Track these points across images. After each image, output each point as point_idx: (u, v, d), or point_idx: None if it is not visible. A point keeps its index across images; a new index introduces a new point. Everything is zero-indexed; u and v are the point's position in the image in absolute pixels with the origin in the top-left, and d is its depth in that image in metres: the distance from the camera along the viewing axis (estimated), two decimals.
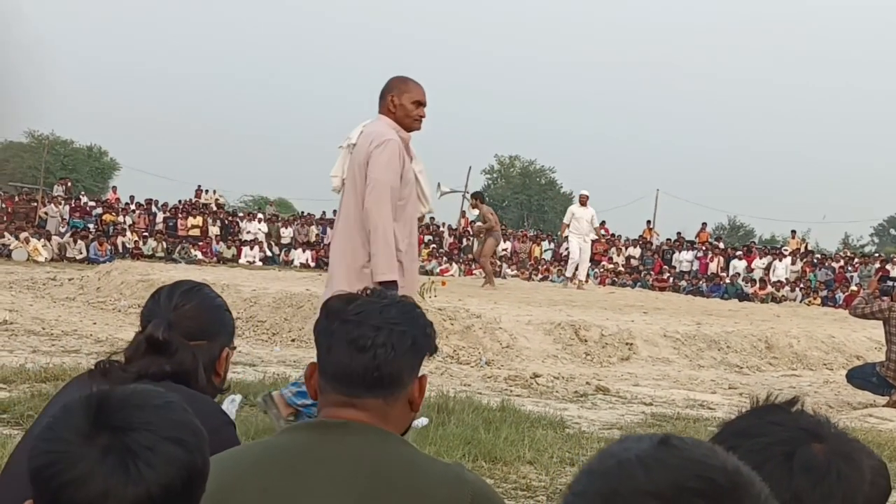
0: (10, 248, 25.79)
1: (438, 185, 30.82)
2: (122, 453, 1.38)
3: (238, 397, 6.51)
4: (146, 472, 1.38)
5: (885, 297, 9.78)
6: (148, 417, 1.44)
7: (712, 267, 32.54)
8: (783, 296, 29.09)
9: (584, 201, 20.08)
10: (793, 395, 1.57)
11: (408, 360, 1.98)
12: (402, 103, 5.71)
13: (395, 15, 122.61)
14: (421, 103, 5.78)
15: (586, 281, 20.55)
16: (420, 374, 2.05)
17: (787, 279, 30.82)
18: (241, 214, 36.46)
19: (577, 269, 20.20)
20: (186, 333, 2.49)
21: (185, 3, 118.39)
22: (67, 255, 26.86)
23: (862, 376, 9.78)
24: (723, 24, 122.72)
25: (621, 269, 32.79)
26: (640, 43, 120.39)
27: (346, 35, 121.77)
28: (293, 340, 11.73)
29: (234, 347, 2.70)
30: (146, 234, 30.95)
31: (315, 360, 2.05)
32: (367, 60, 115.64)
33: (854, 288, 28.70)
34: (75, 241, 27.59)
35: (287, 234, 34.14)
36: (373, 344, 1.94)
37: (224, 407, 2.79)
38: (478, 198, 18.68)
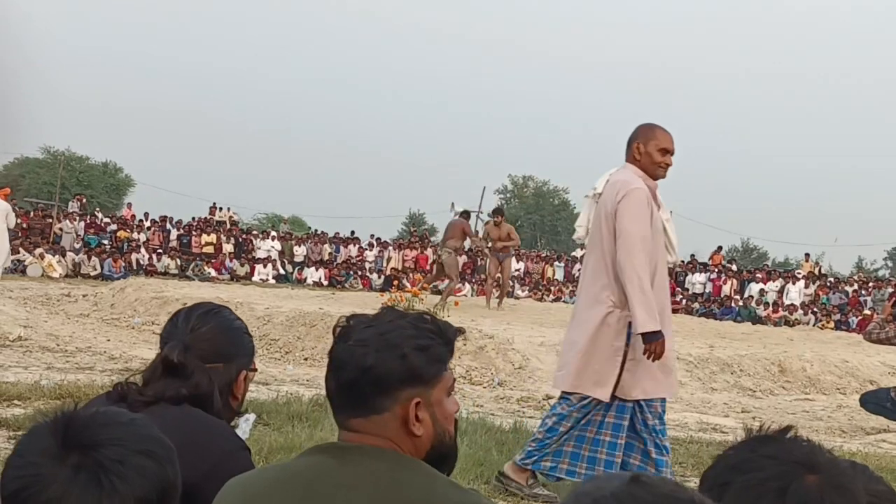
0: (25, 263, 25.89)
1: (452, 205, 30.94)
2: (94, 469, 1.39)
3: (252, 416, 6.51)
4: (119, 485, 1.39)
5: None
6: (115, 433, 1.45)
7: (725, 289, 32.45)
8: (796, 319, 28.97)
9: None
10: (786, 424, 1.57)
11: (370, 382, 1.94)
12: (647, 151, 5.63)
13: (414, 31, 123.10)
14: (667, 151, 5.67)
15: None
16: (416, 400, 1.97)
17: (802, 302, 30.72)
18: (254, 232, 36.54)
19: None
20: (203, 356, 2.50)
21: (197, 20, 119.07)
22: (82, 271, 26.97)
23: (876, 401, 9.73)
24: (738, 52, 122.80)
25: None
26: (654, 68, 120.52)
27: (359, 54, 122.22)
28: (306, 359, 11.75)
29: (255, 370, 2.71)
30: (160, 251, 31.05)
31: None
32: (381, 77, 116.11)
33: (868, 312, 28.59)
34: (90, 258, 27.70)
35: (300, 252, 34.18)
36: (340, 365, 1.96)
37: (239, 426, 2.80)
38: (500, 214, 18.33)
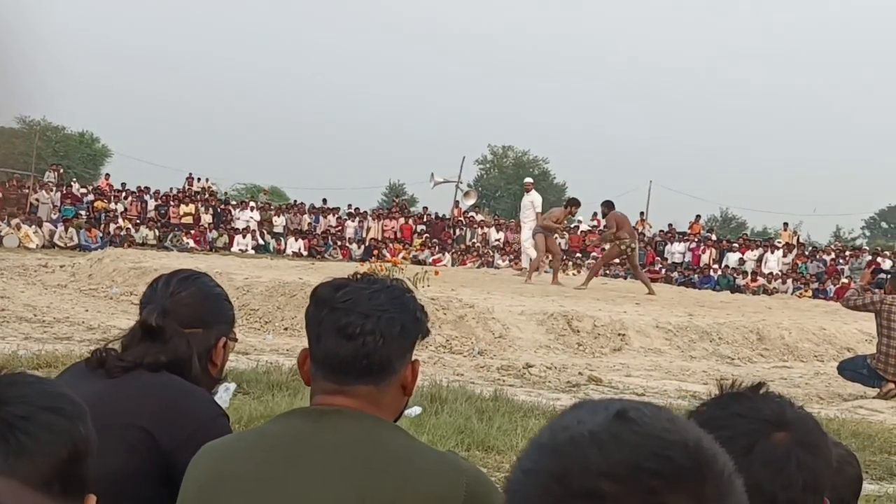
0: (1, 234, 25.72)
1: (432, 175, 30.94)
2: None
3: (232, 385, 6.53)
4: (25, 441, 1.36)
5: (877, 290, 9.82)
6: (20, 392, 1.43)
7: (704, 259, 32.61)
8: (774, 288, 29.16)
9: (527, 188, 20.27)
10: (759, 381, 1.56)
11: (397, 346, 1.97)
12: None
13: (392, 2, 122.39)
14: None
15: (531, 270, 20.40)
16: (413, 358, 2.04)
17: (780, 271, 30.92)
18: (233, 203, 36.38)
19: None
20: (182, 321, 2.47)
21: None
22: (58, 241, 26.81)
23: (853, 368, 9.82)
24: (716, 21, 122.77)
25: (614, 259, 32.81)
26: (633, 37, 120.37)
27: (340, 21, 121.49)
28: (286, 329, 11.73)
29: (235, 339, 2.68)
30: (138, 221, 30.89)
31: (307, 346, 2.05)
32: (360, 46, 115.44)
33: (845, 280, 28.80)
34: (66, 229, 27.54)
35: (280, 222, 34.10)
36: (361, 331, 1.92)
37: (218, 394, 2.78)
38: (606, 206, 17.85)
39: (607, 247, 20.21)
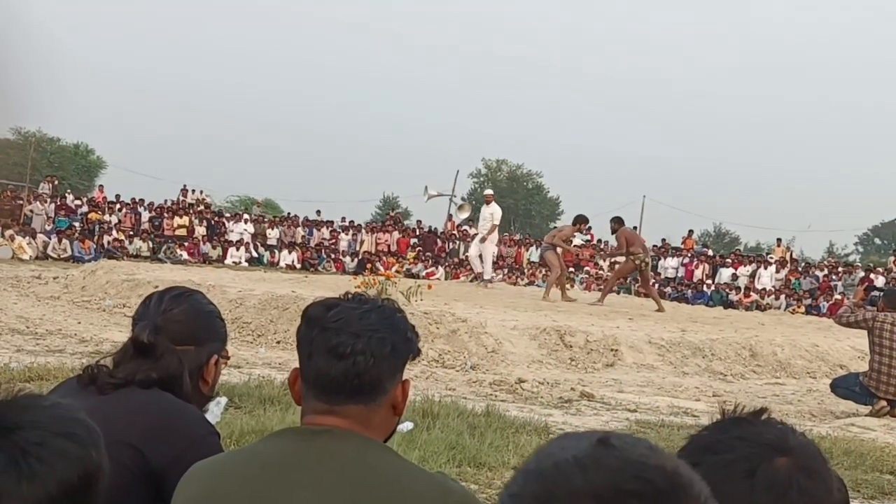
0: None
1: (426, 188, 30.99)
2: (12, 451, 1.37)
3: (223, 399, 6.52)
4: (38, 467, 1.36)
5: (871, 307, 9.82)
6: (36, 416, 1.43)
7: (697, 274, 32.62)
8: (767, 304, 29.18)
9: (487, 200, 20.52)
10: (761, 406, 1.56)
11: (388, 366, 1.97)
12: None
13: (388, 16, 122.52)
14: None
15: (490, 281, 20.52)
16: (404, 378, 2.05)
17: (773, 287, 30.94)
18: (227, 215, 36.34)
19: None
20: (173, 338, 2.48)
21: (173, 4, 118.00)
22: (51, 253, 26.75)
23: (845, 386, 9.82)
24: (708, 36, 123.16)
25: (607, 275, 32.82)
26: (627, 53, 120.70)
27: (336, 37, 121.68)
28: (278, 342, 11.71)
29: (227, 357, 2.68)
30: (132, 233, 30.85)
31: (298, 366, 2.05)
32: (355, 62, 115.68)
33: (838, 296, 28.82)
34: (60, 241, 27.49)
35: (273, 234, 34.07)
36: (352, 351, 1.93)
37: (210, 409, 2.78)
38: (616, 222, 17.63)
39: (602, 262, 20.35)
